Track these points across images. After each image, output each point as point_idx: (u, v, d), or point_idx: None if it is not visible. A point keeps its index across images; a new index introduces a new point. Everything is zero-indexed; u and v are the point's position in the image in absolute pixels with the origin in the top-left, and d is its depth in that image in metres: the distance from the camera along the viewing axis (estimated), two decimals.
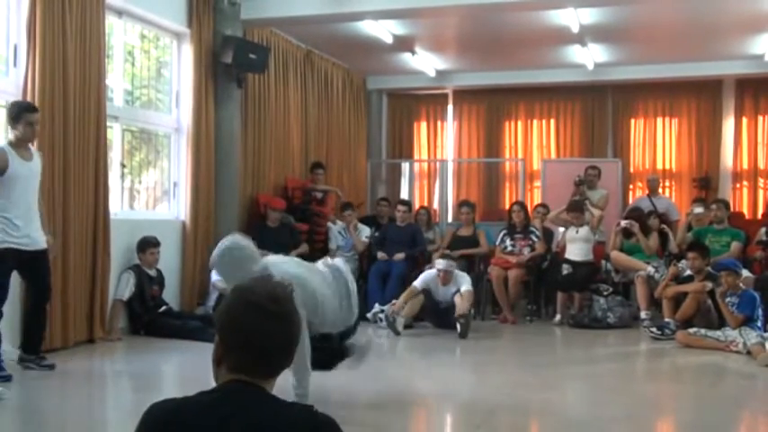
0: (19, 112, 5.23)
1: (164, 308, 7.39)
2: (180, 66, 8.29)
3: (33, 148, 5.44)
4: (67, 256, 6.35)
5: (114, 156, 7.38)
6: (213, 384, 1.79)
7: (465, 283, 7.89)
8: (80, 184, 6.50)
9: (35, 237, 5.30)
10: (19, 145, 5.21)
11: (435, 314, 8.03)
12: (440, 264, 7.94)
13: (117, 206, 7.39)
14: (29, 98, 5.99)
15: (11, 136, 5.24)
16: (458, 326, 7.56)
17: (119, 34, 7.47)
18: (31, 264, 5.34)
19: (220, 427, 1.66)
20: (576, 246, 8.73)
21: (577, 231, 8.80)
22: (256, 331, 1.73)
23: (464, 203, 9.75)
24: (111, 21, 7.23)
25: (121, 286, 7.09)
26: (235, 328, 1.75)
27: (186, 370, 6.20)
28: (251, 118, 9.15)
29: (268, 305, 1.75)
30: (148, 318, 7.20)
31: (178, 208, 8.24)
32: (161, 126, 8.22)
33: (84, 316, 6.60)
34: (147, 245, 7.31)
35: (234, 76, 8.50)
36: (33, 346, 5.53)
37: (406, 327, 7.85)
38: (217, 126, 8.45)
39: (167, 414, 1.70)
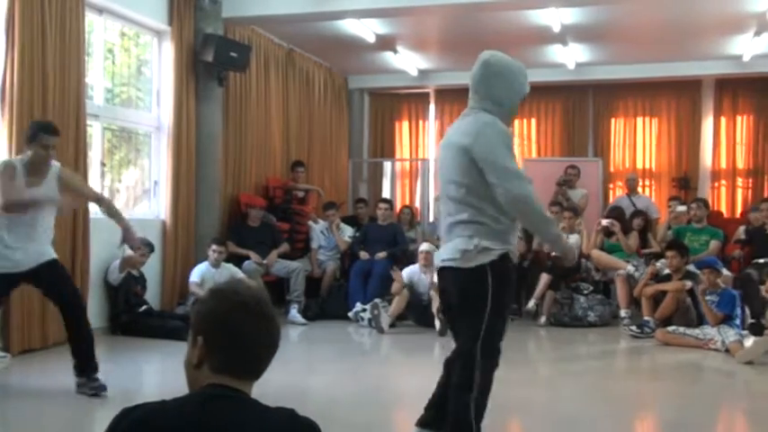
0: (35, 132, 4.84)
1: (144, 307, 7.35)
2: (160, 64, 8.24)
3: (54, 165, 4.97)
4: None
5: (94, 154, 7.33)
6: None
7: None
8: None
9: (30, 254, 4.88)
10: (31, 165, 4.85)
11: (417, 310, 8.05)
12: (423, 246, 8.20)
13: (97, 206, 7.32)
14: (7, 96, 5.95)
15: (26, 156, 4.89)
16: (436, 322, 7.59)
17: (99, 32, 7.42)
18: (37, 281, 5.00)
19: None
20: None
21: (567, 237, 8.86)
22: (246, 330, 1.74)
23: None
24: (90, 18, 7.17)
25: (113, 272, 7.07)
26: (224, 328, 1.74)
27: (167, 369, 6.16)
28: (232, 117, 9.11)
29: (254, 305, 1.76)
30: (128, 317, 7.16)
31: (158, 207, 8.19)
32: (141, 124, 8.17)
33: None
34: (142, 245, 7.27)
35: (215, 74, 8.46)
36: (81, 367, 4.97)
37: (390, 326, 7.85)
38: (198, 125, 8.41)
39: (142, 420, 1.66)
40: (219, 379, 1.72)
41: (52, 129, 4.93)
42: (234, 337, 1.74)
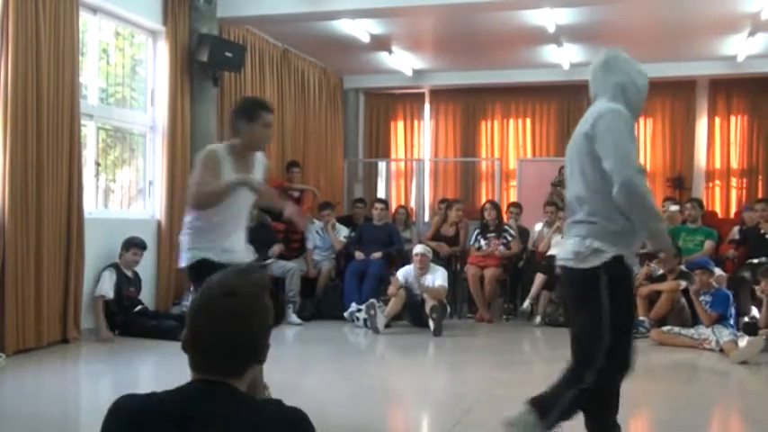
0: (254, 111, 4.08)
1: (139, 307, 7.34)
2: (155, 64, 8.23)
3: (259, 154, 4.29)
4: (41, 256, 6.29)
5: (89, 154, 7.31)
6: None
7: (439, 277, 7.97)
8: (54, 182, 6.43)
9: (235, 248, 4.14)
10: (242, 151, 4.10)
11: (413, 310, 8.05)
12: (417, 248, 8.25)
13: (91, 205, 7.32)
14: (1, 95, 5.94)
15: (235, 139, 4.12)
16: (430, 322, 7.60)
17: (93, 31, 7.40)
18: None
19: (184, 427, 1.64)
20: (560, 249, 8.80)
21: (563, 237, 8.86)
22: (202, 329, 1.73)
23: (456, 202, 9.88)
24: (85, 18, 7.16)
25: (105, 285, 7.02)
26: (189, 326, 1.75)
27: (162, 370, 6.15)
28: (227, 116, 9.07)
29: (221, 301, 1.72)
30: (123, 318, 7.14)
31: (153, 207, 8.18)
32: (136, 124, 8.16)
33: (57, 316, 6.53)
34: (133, 245, 7.26)
35: (210, 74, 8.45)
36: None
37: (385, 326, 7.85)
38: (192, 124, 8.40)
39: (135, 411, 1.68)
40: (202, 374, 1.73)
41: (269, 105, 4.25)
42: (195, 336, 1.74)
